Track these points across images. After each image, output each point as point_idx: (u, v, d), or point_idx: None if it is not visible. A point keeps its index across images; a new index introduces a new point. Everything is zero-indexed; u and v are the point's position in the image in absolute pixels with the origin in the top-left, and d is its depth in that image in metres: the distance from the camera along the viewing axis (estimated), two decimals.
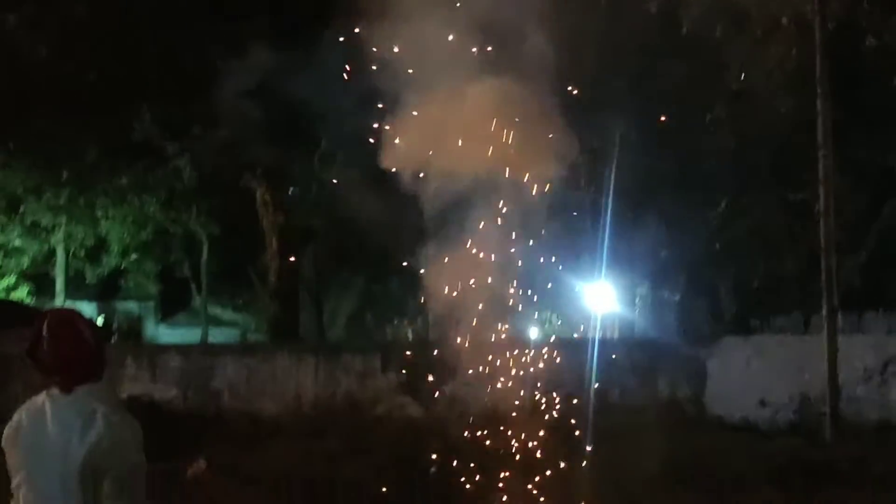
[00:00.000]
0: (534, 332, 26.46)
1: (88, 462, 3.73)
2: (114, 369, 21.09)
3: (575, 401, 18.44)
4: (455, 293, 10.44)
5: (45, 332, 3.86)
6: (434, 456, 16.49)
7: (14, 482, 3.90)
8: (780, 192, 21.01)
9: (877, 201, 22.32)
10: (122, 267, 32.73)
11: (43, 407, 3.91)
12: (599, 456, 15.11)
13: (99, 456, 3.75)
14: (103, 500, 3.77)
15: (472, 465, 14.95)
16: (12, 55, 25.00)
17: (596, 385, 18.08)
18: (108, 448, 3.77)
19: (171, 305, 38.85)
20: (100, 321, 31.27)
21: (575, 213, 21.76)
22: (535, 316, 28.36)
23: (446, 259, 9.75)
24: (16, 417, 4.00)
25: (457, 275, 10.05)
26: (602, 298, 23.50)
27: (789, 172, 20.25)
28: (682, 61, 19.53)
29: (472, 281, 9.92)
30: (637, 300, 27.73)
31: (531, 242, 10.14)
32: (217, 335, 34.72)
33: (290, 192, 26.38)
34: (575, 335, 23.94)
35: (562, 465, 15.11)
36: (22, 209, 28.90)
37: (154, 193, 28.84)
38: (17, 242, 30.31)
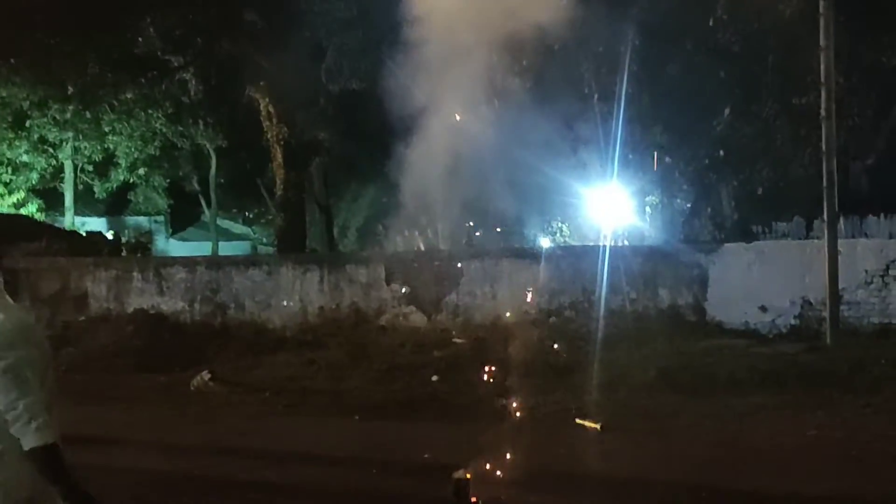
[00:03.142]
0: (544, 242, 26.59)
1: None
2: (121, 283, 21.20)
3: (576, 308, 18.62)
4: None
5: None
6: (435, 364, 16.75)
7: None
8: (785, 97, 20.64)
9: (886, 104, 21.89)
10: (131, 182, 32.76)
11: None
12: (597, 362, 15.26)
13: None
14: None
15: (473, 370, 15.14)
16: None
17: (600, 292, 18.11)
18: None
19: (182, 220, 38.97)
20: (109, 235, 31.35)
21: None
22: (546, 226, 28.48)
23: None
24: None
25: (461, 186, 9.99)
26: (612, 207, 23.34)
27: (794, 76, 19.89)
28: None
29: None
30: (647, 209, 27.55)
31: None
32: (228, 248, 34.84)
33: (293, 104, 26.12)
34: (582, 244, 23.93)
35: (560, 370, 15.32)
36: (28, 124, 28.83)
37: (160, 107, 28.69)
38: (25, 158, 30.27)
